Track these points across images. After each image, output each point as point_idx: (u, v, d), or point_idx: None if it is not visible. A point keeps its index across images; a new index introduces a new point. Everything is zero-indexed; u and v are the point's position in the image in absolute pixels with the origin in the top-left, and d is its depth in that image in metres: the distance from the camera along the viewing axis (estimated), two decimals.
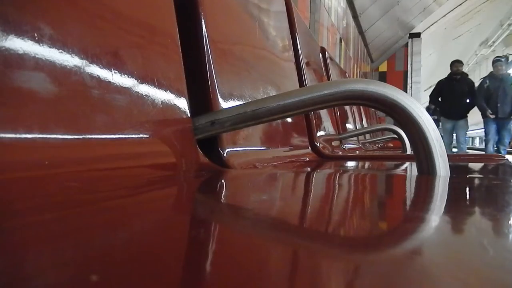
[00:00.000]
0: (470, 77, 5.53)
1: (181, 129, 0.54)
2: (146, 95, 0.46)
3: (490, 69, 5.56)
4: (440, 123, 5.44)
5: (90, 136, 0.37)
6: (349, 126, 2.36)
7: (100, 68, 0.39)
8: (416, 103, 0.54)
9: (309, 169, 0.93)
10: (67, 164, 0.34)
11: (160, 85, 0.49)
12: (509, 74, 5.41)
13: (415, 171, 0.57)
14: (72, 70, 0.35)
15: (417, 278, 0.15)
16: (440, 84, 5.44)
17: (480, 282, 0.15)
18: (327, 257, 0.18)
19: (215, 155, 0.62)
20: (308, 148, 1.25)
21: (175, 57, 0.55)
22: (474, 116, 5.55)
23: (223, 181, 0.52)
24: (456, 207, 0.33)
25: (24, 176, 0.30)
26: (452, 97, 5.18)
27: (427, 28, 8.91)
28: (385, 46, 8.31)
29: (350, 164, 1.13)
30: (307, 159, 1.16)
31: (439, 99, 5.41)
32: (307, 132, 1.26)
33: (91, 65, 0.38)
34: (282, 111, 0.59)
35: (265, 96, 0.90)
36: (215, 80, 0.65)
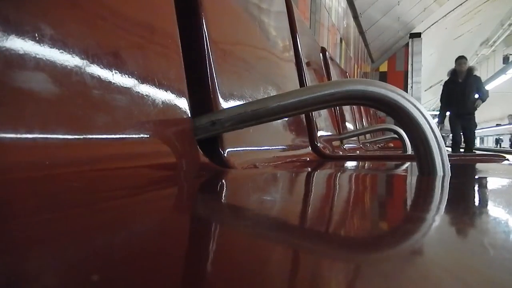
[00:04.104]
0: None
1: (181, 129, 0.54)
2: (146, 95, 0.46)
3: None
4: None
5: (90, 136, 0.37)
6: (350, 126, 2.36)
7: (100, 68, 0.39)
8: (417, 103, 0.54)
9: (309, 169, 0.93)
10: (67, 164, 0.34)
11: (160, 85, 0.49)
12: None
13: (415, 171, 0.57)
14: (73, 70, 0.35)
15: (418, 278, 0.15)
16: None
17: (480, 282, 0.15)
18: (327, 257, 0.18)
19: (216, 155, 0.62)
20: (309, 148, 1.25)
21: (175, 57, 0.55)
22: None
23: (223, 181, 0.52)
24: (457, 207, 0.33)
25: (25, 176, 0.30)
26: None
27: (427, 28, 8.91)
28: (386, 46, 8.31)
29: (351, 164, 1.13)
30: (308, 159, 1.16)
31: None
32: (307, 132, 1.26)
33: (92, 65, 0.38)
34: (282, 111, 0.59)
35: (266, 96, 0.90)
36: (215, 80, 0.65)
